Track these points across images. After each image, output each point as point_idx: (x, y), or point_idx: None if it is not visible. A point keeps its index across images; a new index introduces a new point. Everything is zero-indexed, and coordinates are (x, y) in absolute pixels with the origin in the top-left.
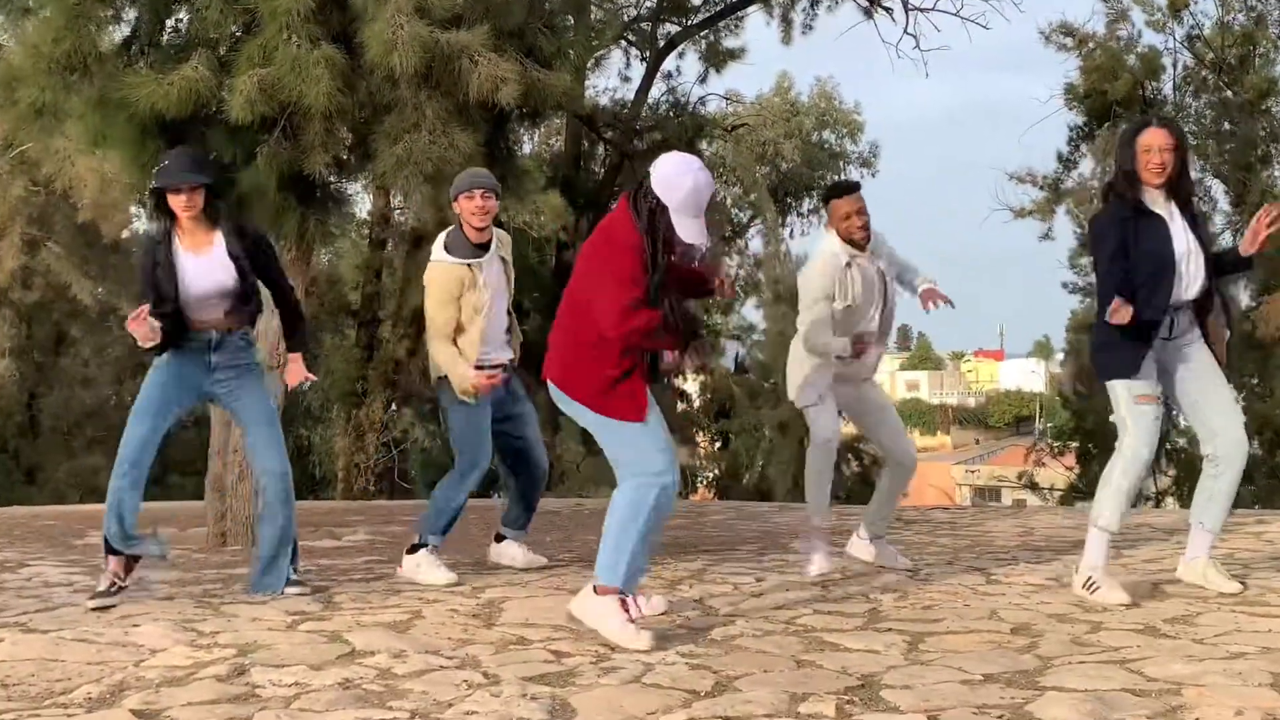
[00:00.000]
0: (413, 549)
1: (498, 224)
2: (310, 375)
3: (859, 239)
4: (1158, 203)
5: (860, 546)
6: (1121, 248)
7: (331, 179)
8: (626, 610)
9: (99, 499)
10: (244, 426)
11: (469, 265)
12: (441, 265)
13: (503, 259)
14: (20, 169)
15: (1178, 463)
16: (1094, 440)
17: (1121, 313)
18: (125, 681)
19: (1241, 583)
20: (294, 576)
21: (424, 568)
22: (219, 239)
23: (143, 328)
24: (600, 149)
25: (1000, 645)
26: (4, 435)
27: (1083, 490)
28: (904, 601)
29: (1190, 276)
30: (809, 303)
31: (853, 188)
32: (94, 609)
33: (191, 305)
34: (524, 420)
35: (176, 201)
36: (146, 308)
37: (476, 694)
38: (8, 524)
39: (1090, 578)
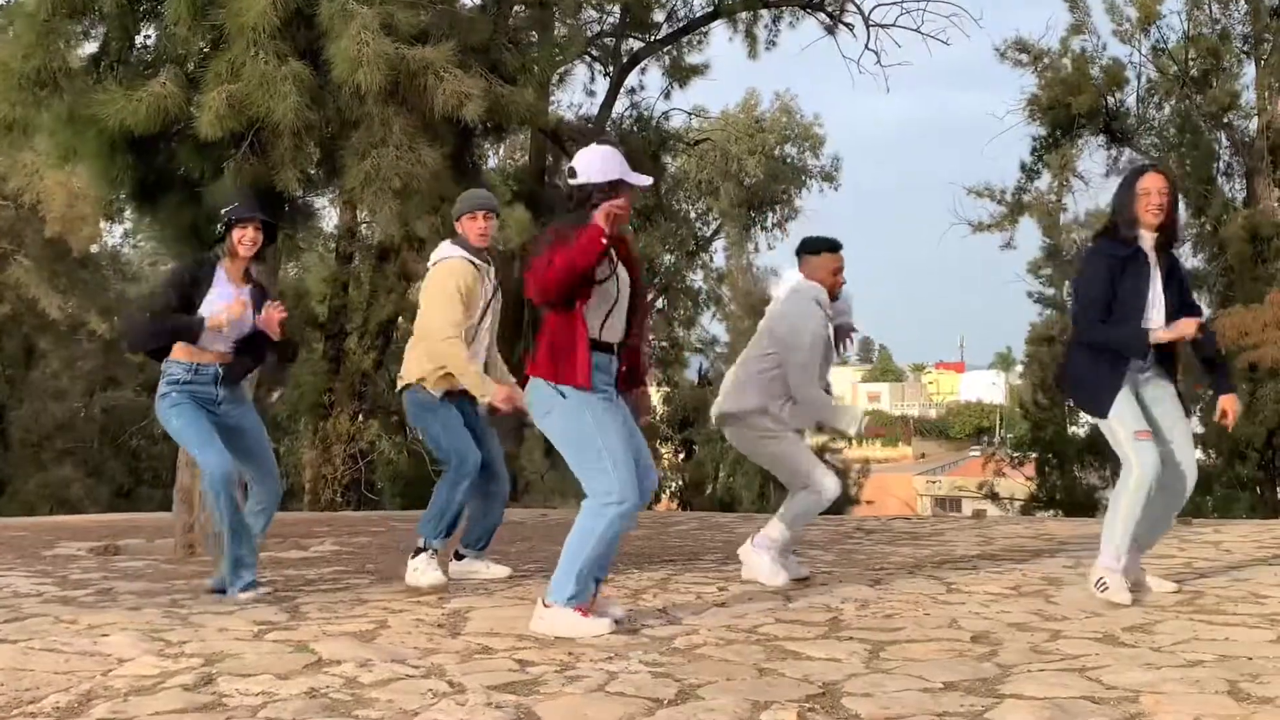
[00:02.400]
0: (416, 553)
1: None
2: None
3: (836, 295)
4: (1146, 244)
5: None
6: (1110, 286)
7: (299, 194)
8: (581, 611)
9: (69, 510)
10: (246, 455)
11: (476, 265)
12: (453, 260)
13: (496, 285)
14: None
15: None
16: (1053, 451)
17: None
18: (93, 691)
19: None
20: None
21: (421, 570)
22: (250, 286)
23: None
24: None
25: (960, 653)
26: None
27: (1042, 500)
28: (865, 610)
29: (1156, 321)
30: (804, 350)
31: (839, 245)
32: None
33: (207, 333)
34: (486, 436)
35: (243, 235)
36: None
37: (442, 703)
38: None
39: (1102, 578)
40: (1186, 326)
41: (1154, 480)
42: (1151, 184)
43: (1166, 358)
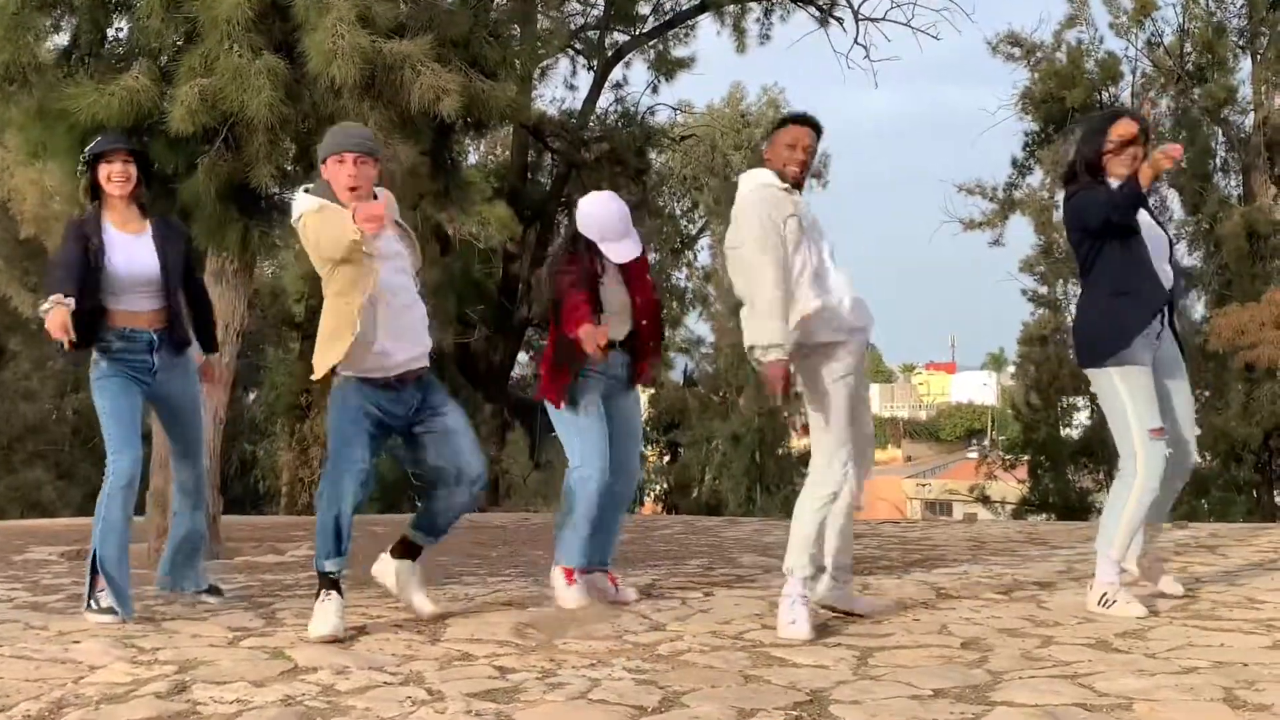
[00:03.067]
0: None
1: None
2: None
3: (798, 179)
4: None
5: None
6: (1107, 224)
7: (275, 190)
8: (570, 580)
9: (40, 514)
10: (169, 424)
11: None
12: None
13: (397, 223)
14: None
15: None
16: (1045, 453)
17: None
18: (64, 699)
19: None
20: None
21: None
22: (149, 226)
23: (61, 315)
24: (548, 159)
25: (950, 660)
26: None
27: (1034, 503)
28: (853, 616)
29: (1163, 271)
30: (749, 244)
31: (796, 117)
32: None
33: (121, 292)
34: (443, 430)
35: (110, 171)
36: (69, 298)
37: (420, 711)
38: None
39: (1105, 594)
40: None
41: (1160, 486)
42: (1126, 130)
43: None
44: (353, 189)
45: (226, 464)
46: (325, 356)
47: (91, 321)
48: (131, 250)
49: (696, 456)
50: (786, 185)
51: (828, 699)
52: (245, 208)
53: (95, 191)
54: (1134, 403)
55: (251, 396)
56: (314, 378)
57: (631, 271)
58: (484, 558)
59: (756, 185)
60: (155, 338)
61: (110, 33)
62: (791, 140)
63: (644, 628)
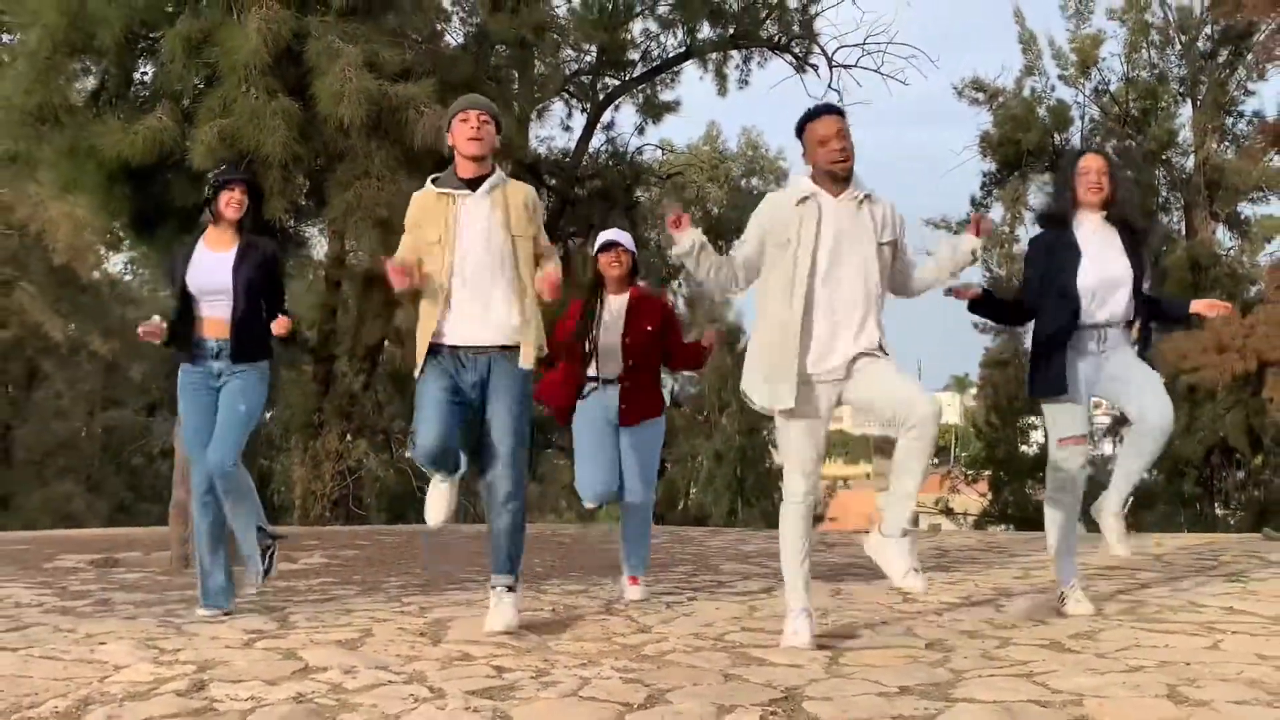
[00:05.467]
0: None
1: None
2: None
3: (843, 172)
4: (1096, 225)
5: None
6: (1040, 267)
7: (290, 223)
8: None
9: (70, 525)
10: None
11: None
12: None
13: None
14: None
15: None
16: (1005, 469)
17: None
18: (90, 696)
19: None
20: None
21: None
22: (236, 245)
23: (151, 329)
24: (543, 195)
25: (915, 659)
26: None
27: (994, 515)
28: (826, 619)
29: (1099, 301)
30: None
31: (823, 109)
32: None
33: (197, 304)
34: (488, 420)
35: (230, 197)
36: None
37: (422, 707)
38: None
39: (1062, 593)
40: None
41: (1070, 488)
42: (1090, 164)
43: (1139, 335)
44: (475, 139)
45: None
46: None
47: (183, 323)
48: (212, 264)
49: (682, 472)
50: (807, 194)
51: (801, 696)
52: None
53: (215, 209)
54: (1054, 420)
55: (268, 415)
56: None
57: (630, 310)
58: (485, 565)
59: (771, 196)
60: (219, 346)
61: (136, 76)
62: (821, 136)
63: (631, 630)
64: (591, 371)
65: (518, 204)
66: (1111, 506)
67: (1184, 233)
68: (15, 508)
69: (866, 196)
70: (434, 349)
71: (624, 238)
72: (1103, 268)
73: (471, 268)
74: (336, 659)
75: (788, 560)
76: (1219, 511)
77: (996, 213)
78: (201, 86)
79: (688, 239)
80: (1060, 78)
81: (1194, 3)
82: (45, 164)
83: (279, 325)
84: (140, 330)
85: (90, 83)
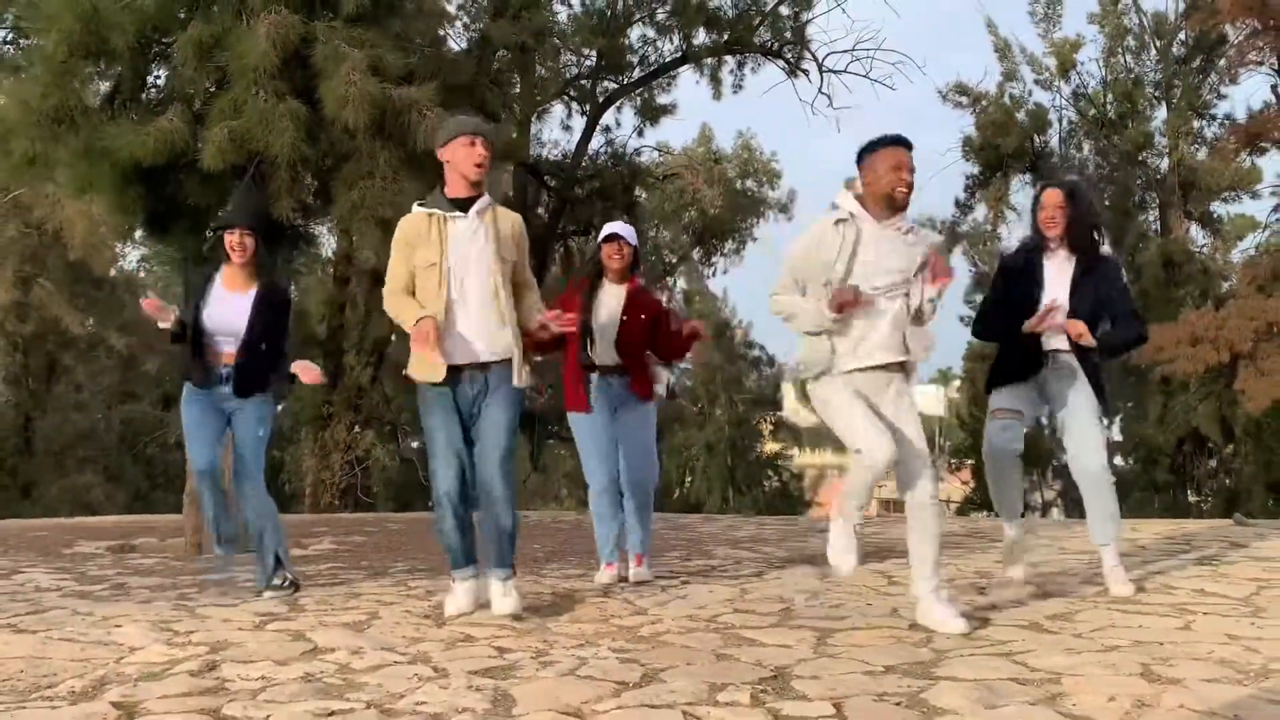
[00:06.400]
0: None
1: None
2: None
3: (900, 201)
4: (1057, 254)
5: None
6: (1000, 292)
7: (298, 221)
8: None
9: (88, 513)
10: (234, 445)
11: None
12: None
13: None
14: (14, 213)
15: (1062, 477)
16: None
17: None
18: (106, 677)
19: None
20: (276, 581)
21: None
22: (254, 289)
23: (161, 314)
24: (544, 195)
25: (900, 640)
26: (2, 456)
27: (976, 502)
28: (814, 601)
29: (1050, 330)
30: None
31: (890, 139)
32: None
33: (209, 337)
34: (485, 427)
35: (231, 241)
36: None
37: (426, 686)
38: (1, 535)
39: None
40: (1052, 320)
41: (1002, 461)
42: (1047, 199)
43: (1088, 358)
44: (480, 165)
45: None
46: None
47: (195, 350)
48: (227, 306)
49: (677, 462)
50: (848, 214)
51: (790, 674)
52: (270, 237)
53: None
54: (995, 401)
55: (280, 407)
56: None
57: (628, 299)
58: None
59: (822, 219)
60: (228, 373)
61: (149, 79)
62: (896, 163)
63: (627, 612)
64: (588, 360)
65: (506, 231)
66: (1097, 539)
67: (1159, 231)
68: (36, 497)
69: (911, 229)
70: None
71: (627, 231)
72: (1057, 293)
73: (467, 287)
74: (344, 640)
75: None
76: (1191, 498)
77: (980, 212)
78: (212, 89)
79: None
80: (1037, 82)
81: (1169, 9)
82: (62, 164)
83: (307, 374)
84: (144, 304)
85: (105, 86)
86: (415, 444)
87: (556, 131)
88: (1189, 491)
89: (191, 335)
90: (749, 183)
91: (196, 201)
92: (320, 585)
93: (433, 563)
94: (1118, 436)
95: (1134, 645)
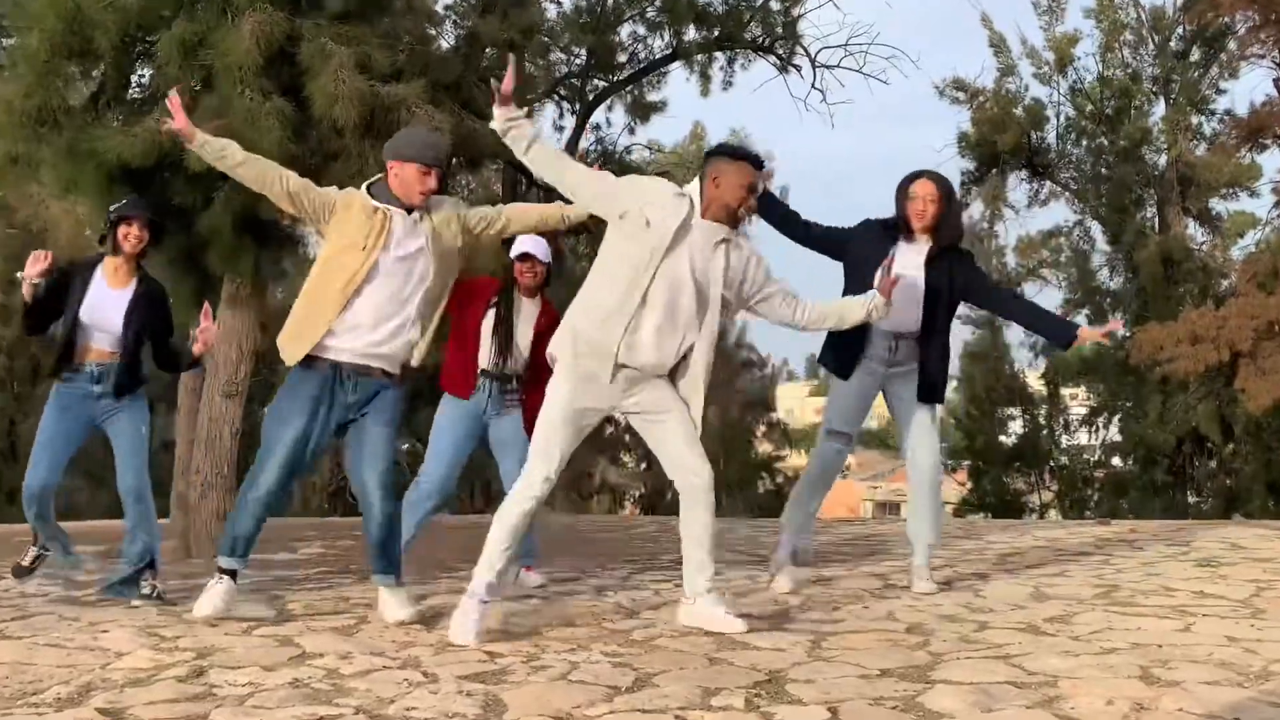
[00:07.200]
0: None
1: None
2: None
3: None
4: (914, 244)
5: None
6: (855, 260)
7: (285, 222)
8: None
9: (73, 517)
10: (115, 450)
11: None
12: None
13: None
14: None
15: (1060, 478)
16: (984, 458)
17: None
18: (92, 683)
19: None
20: (145, 590)
21: None
22: (134, 284)
23: (39, 266)
24: (534, 194)
25: (895, 643)
26: None
27: (973, 503)
28: (809, 604)
29: (892, 314)
30: None
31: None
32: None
33: (82, 330)
34: (366, 441)
35: (127, 232)
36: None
37: (416, 691)
38: None
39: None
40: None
41: (821, 476)
42: (919, 190)
43: (926, 364)
44: (426, 194)
45: (244, 471)
46: None
47: (64, 351)
48: (106, 301)
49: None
50: (689, 201)
51: (784, 679)
52: (258, 237)
53: (114, 241)
54: (831, 405)
55: (265, 410)
56: None
57: (540, 315)
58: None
59: (665, 183)
60: (100, 371)
61: (133, 79)
62: (750, 182)
63: (620, 616)
64: (484, 364)
65: (443, 227)
66: (920, 536)
67: (1157, 228)
68: (20, 501)
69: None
70: (311, 358)
71: (539, 249)
72: (903, 283)
73: (380, 286)
74: (333, 645)
75: None
76: (1190, 499)
77: (978, 209)
78: (198, 88)
79: None
80: (1035, 76)
81: (1166, 2)
82: (46, 165)
83: (206, 334)
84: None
85: (89, 85)
86: (404, 446)
87: (546, 130)
88: (1189, 492)
89: (65, 331)
90: None
91: (182, 202)
92: (308, 590)
93: (421, 567)
94: (1116, 436)
95: (1132, 647)
